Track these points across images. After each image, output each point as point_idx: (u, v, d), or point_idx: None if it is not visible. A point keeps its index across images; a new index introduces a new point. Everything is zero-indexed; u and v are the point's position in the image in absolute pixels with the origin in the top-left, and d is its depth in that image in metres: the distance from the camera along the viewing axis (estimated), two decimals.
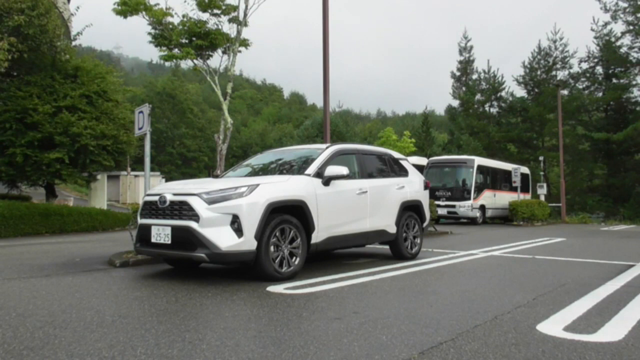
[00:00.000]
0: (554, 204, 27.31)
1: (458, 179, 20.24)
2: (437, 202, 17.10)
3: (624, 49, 36.02)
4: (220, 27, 14.98)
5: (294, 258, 5.38)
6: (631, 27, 35.25)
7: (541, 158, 33.09)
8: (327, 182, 5.90)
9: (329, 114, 12.23)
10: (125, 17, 14.51)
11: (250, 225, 4.93)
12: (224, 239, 4.86)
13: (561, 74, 40.08)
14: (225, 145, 13.03)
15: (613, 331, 3.43)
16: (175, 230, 5.04)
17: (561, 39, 39.83)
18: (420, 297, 4.55)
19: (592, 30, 37.25)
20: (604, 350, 2.99)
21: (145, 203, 5.54)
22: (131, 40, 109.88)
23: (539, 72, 40.98)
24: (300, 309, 3.95)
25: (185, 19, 14.77)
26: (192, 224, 4.92)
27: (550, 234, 14.07)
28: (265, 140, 64.64)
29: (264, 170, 6.72)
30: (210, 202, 4.98)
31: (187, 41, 14.89)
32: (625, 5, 34.99)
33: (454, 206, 19.59)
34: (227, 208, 4.94)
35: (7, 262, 6.60)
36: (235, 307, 4.02)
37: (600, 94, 37.92)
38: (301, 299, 4.33)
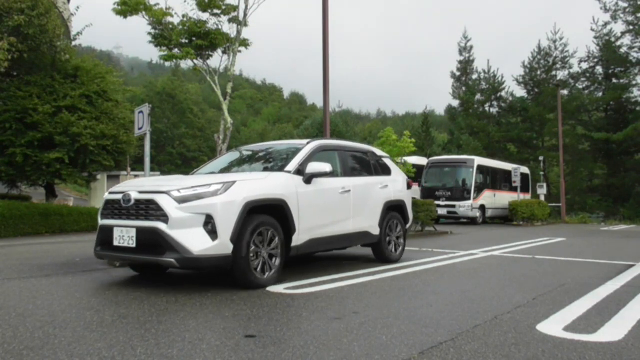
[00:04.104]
0: (554, 204, 27.31)
1: (458, 179, 20.24)
2: (437, 202, 17.10)
3: (624, 49, 36.00)
4: (220, 27, 14.99)
5: (274, 262, 4.98)
6: (631, 27, 35.22)
7: (541, 158, 33.08)
8: (308, 180, 5.50)
9: (329, 114, 12.23)
10: (125, 17, 14.51)
11: (226, 226, 4.50)
12: (196, 242, 4.40)
13: (561, 74, 40.06)
14: (225, 145, 13.03)
15: (613, 331, 3.43)
16: (140, 232, 4.57)
17: (561, 39, 39.82)
18: (420, 297, 4.55)
19: (592, 30, 37.22)
20: (604, 350, 2.99)
21: (107, 202, 5.04)
22: (131, 40, 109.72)
23: (539, 72, 40.94)
24: (300, 309, 3.95)
25: (185, 19, 14.78)
26: (160, 225, 4.45)
27: (550, 234, 14.08)
28: (265, 140, 64.54)
29: (241, 166, 6.29)
30: (181, 200, 4.52)
31: (187, 41, 14.89)
32: (625, 5, 34.98)
33: (454, 206, 19.60)
34: (199, 207, 4.49)
35: (7, 262, 6.60)
36: (235, 307, 4.02)
37: (600, 94, 37.88)
38: (301, 299, 4.33)
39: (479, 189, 20.27)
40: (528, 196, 24.18)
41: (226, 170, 6.17)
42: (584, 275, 6.03)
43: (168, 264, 4.51)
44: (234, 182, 4.76)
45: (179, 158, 58.44)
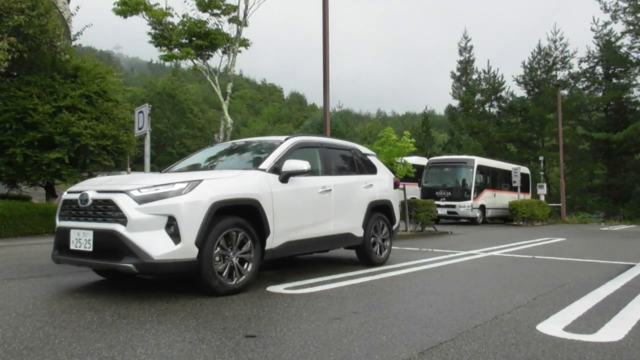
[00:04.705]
0: (554, 204, 27.32)
1: (458, 179, 20.25)
2: (437, 202, 17.13)
3: (624, 49, 36.02)
4: (220, 27, 15.02)
5: (245, 267, 4.64)
6: (631, 27, 35.24)
7: (541, 158, 33.11)
8: (285, 178, 5.15)
9: (329, 114, 12.24)
10: (125, 17, 14.54)
11: (190, 229, 4.16)
12: (156, 245, 4.07)
13: (561, 74, 40.10)
14: None
15: (613, 331, 3.43)
16: (97, 235, 4.22)
17: (561, 39, 39.86)
18: (420, 297, 4.56)
19: (592, 30, 37.25)
20: (604, 350, 2.99)
21: (65, 202, 4.69)
22: (131, 40, 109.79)
23: (539, 72, 40.97)
24: (300, 309, 3.95)
25: (185, 19, 14.80)
26: (118, 228, 4.11)
27: (550, 234, 14.08)
28: None
29: (212, 164, 5.95)
30: (141, 200, 4.17)
31: (187, 41, 14.91)
32: (625, 5, 35.00)
33: (454, 206, 19.60)
34: (161, 208, 4.15)
35: (7, 262, 6.60)
36: (235, 307, 4.02)
37: (600, 94, 37.91)
38: (301, 299, 4.33)
39: (479, 189, 20.27)
40: (528, 196, 24.19)
41: (198, 167, 5.85)
42: (584, 275, 6.03)
43: (126, 269, 4.14)
44: (200, 181, 4.42)
45: (179, 158, 58.03)
